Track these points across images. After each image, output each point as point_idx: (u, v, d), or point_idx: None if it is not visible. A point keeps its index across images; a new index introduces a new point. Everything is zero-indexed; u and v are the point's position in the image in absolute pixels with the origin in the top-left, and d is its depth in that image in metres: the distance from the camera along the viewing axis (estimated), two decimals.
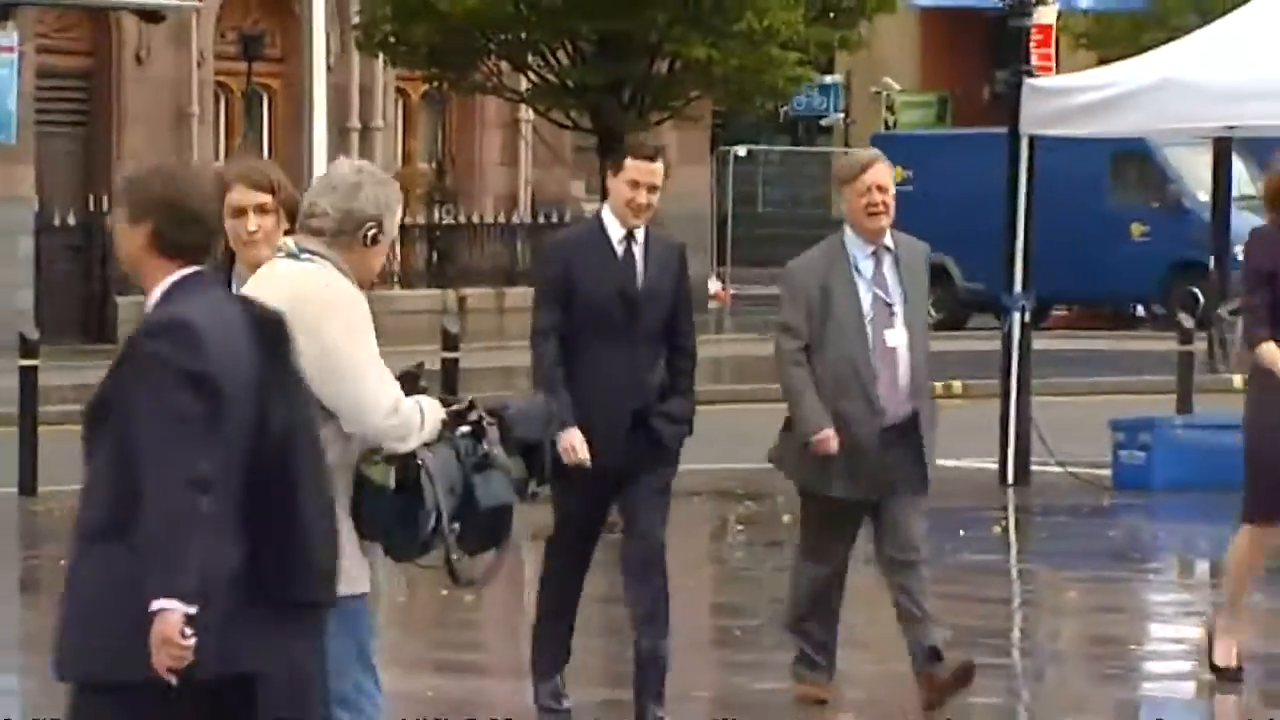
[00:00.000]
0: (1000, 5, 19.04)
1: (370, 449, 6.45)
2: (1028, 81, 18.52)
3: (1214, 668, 10.76)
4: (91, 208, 29.80)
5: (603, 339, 9.31)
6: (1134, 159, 33.12)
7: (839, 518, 9.92)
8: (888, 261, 9.76)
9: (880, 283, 9.74)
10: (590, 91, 17.10)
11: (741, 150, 42.09)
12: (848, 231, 9.80)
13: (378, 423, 6.39)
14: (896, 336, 9.73)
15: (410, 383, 6.56)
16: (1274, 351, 10.49)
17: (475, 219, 34.47)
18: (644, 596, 9.51)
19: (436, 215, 34.44)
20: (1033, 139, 18.36)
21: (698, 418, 9.60)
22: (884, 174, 9.73)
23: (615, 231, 9.39)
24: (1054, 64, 19.31)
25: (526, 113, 29.13)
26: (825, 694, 10.25)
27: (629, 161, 9.33)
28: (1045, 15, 18.80)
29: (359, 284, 6.51)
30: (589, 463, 9.20)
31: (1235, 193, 24.68)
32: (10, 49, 29.48)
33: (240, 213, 7.22)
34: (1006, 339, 18.30)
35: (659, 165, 9.38)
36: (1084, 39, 33.33)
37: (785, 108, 40.43)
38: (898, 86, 44.27)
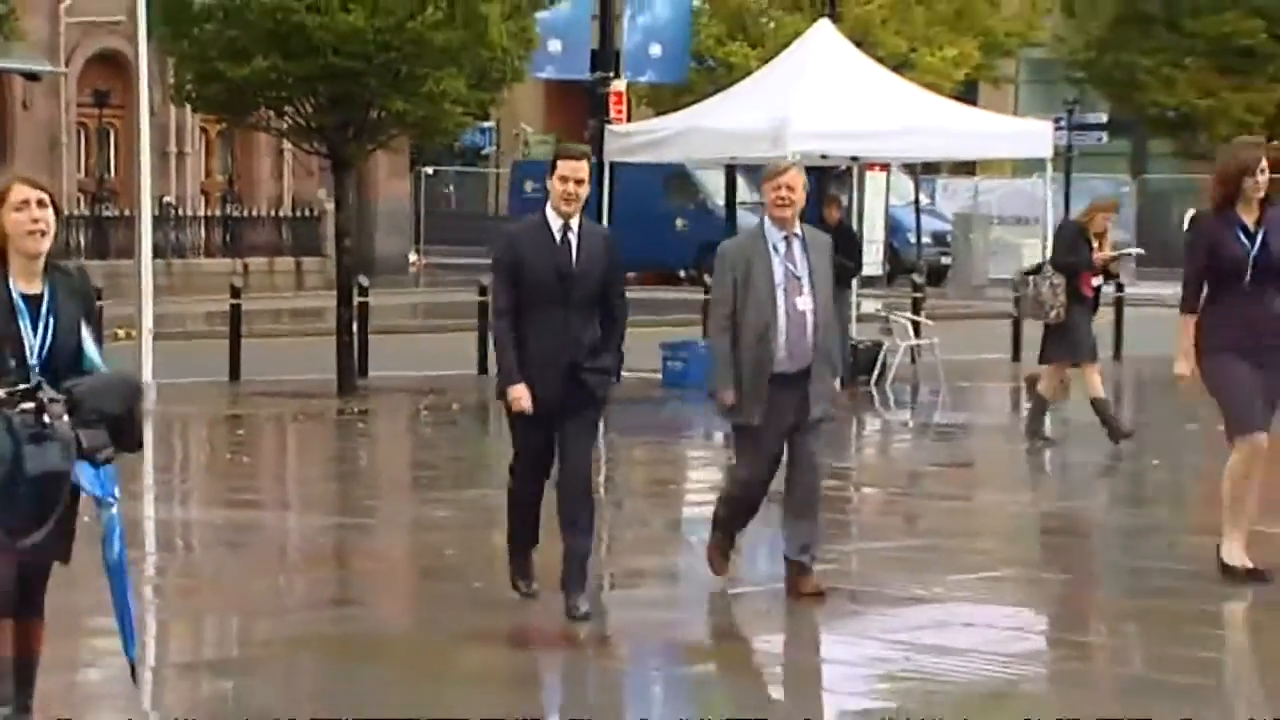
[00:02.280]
0: (592, 78, 19.13)
1: None
2: (609, 127, 18.70)
3: (1225, 567, 8.54)
4: None
5: (545, 307, 7.90)
6: (677, 177, 33.44)
7: (761, 438, 8.41)
8: (797, 245, 8.38)
9: (791, 260, 8.34)
10: (327, 130, 17.02)
11: (430, 170, 41.73)
12: (767, 221, 8.42)
13: None
14: (805, 302, 8.33)
15: None
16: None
17: (254, 213, 33.91)
18: (572, 508, 7.94)
19: (229, 210, 33.88)
20: (613, 165, 18.56)
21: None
22: (794, 179, 8.34)
23: (555, 222, 8.02)
24: (626, 116, 19.45)
25: (286, 144, 28.65)
26: (727, 570, 8.82)
27: (560, 162, 8.01)
28: (618, 85, 18.96)
29: None
30: (530, 410, 7.87)
31: (739, 199, 25.07)
32: None
33: (24, 205, 5.57)
34: None
35: (583, 163, 8.03)
36: (645, 100, 33.54)
37: (457, 143, 40.21)
38: (530, 129, 44.25)
